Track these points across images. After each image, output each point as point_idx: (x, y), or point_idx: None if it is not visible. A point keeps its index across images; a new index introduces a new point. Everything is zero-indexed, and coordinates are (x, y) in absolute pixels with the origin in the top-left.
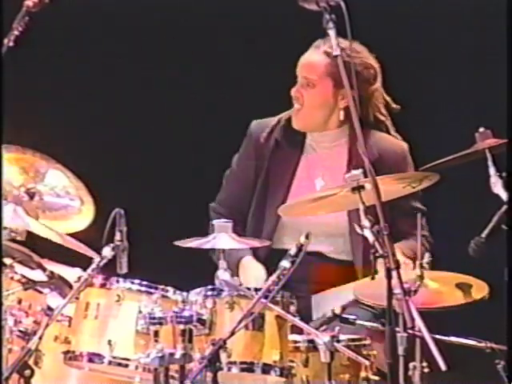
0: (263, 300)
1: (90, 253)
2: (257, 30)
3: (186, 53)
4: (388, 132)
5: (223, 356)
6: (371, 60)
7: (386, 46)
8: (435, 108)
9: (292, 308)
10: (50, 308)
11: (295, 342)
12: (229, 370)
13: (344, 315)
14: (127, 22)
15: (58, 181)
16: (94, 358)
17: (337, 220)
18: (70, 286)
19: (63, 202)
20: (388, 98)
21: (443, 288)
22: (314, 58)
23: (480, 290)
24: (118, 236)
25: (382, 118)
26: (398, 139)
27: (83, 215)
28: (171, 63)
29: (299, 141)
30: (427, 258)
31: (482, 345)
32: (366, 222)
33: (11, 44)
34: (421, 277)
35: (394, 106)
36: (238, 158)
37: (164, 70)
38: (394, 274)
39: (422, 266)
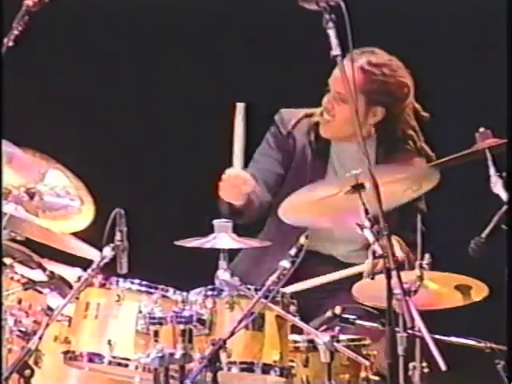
0: (263, 300)
1: (88, 254)
2: (257, 30)
3: (186, 53)
4: (415, 145)
5: (223, 356)
6: (406, 78)
7: (386, 46)
8: (435, 108)
9: (292, 308)
10: (50, 308)
11: (295, 341)
12: (229, 370)
13: (344, 315)
14: (127, 21)
15: (57, 181)
16: (93, 357)
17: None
18: (70, 286)
19: (63, 202)
20: (418, 106)
21: (443, 289)
22: (348, 73)
23: (479, 291)
24: (118, 236)
25: (411, 132)
26: (425, 151)
27: (83, 215)
28: (171, 63)
29: (324, 146)
30: (427, 258)
31: (482, 345)
32: (366, 222)
33: (11, 44)
34: (420, 277)
35: (423, 114)
36: (273, 141)
37: (164, 69)
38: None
39: (421, 267)
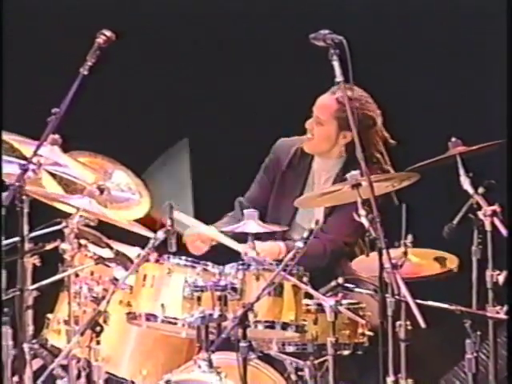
0: (282, 272)
1: (147, 233)
2: (257, 31)
3: (187, 58)
4: (382, 168)
5: (251, 316)
6: (374, 112)
7: (386, 46)
8: (420, 110)
9: (305, 279)
10: (115, 278)
11: (307, 305)
12: (255, 327)
13: (346, 284)
14: (129, 26)
15: (122, 179)
16: (150, 317)
17: None
18: (132, 261)
19: (126, 196)
20: (386, 135)
21: (423, 261)
22: (327, 101)
23: (452, 261)
24: (168, 222)
25: (378, 155)
26: (389, 171)
27: (142, 206)
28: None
29: (308, 163)
30: (410, 238)
31: (453, 308)
32: (362, 212)
33: (86, 73)
34: (405, 253)
35: (391, 141)
36: (264, 167)
37: (220, 76)
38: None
39: (405, 245)
